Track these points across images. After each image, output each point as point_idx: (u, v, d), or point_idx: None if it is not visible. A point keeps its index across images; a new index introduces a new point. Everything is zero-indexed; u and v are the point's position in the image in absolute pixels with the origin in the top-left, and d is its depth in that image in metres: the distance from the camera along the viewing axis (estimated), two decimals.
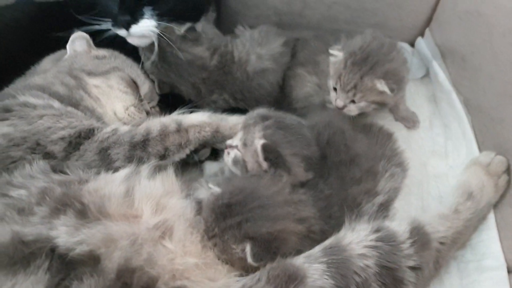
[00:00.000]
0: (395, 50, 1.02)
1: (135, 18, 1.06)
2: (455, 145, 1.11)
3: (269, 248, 0.74)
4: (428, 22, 1.32)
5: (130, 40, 1.10)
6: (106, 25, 1.10)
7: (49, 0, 1.26)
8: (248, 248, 0.73)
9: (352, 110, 1.02)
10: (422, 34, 1.35)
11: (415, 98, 1.21)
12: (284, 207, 0.79)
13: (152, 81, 1.15)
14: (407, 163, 1.02)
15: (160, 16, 1.08)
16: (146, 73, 1.14)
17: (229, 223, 0.75)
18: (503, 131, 0.98)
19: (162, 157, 0.94)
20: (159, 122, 0.96)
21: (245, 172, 0.88)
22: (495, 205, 0.97)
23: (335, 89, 1.02)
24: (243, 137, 0.87)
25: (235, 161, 0.89)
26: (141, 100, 1.07)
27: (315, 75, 1.17)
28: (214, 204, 0.78)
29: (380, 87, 0.97)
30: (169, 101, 1.16)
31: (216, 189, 0.81)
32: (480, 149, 1.05)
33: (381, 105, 1.02)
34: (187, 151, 0.97)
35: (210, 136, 0.99)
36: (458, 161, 1.08)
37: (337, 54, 1.00)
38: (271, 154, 0.85)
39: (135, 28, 1.06)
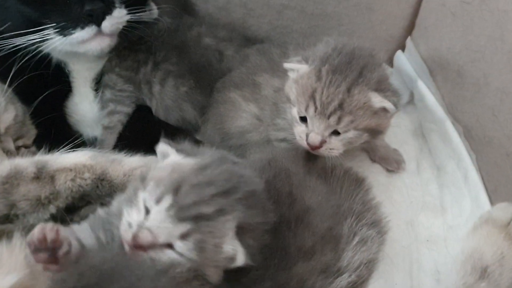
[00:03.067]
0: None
1: (108, 6, 0.92)
2: (454, 196, 0.97)
3: None
4: (410, 29, 1.20)
5: (94, 45, 0.95)
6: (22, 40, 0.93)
7: None
8: None
9: (336, 147, 0.82)
10: (402, 46, 1.23)
11: (396, 131, 1.07)
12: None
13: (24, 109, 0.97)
14: (386, 222, 0.84)
15: (125, 4, 0.97)
16: (14, 100, 0.96)
17: None
18: None
19: (5, 218, 0.74)
20: (8, 165, 0.77)
21: None
22: None
23: (303, 119, 0.82)
24: (196, 237, 0.62)
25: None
26: None
27: (253, 103, 1.01)
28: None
29: (377, 103, 0.79)
30: (50, 138, 0.97)
31: None
32: (492, 200, 0.90)
33: (374, 134, 0.86)
34: (52, 208, 0.77)
35: (91, 186, 0.80)
36: (460, 218, 0.94)
37: (298, 67, 0.84)
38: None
39: (109, 21, 0.92)
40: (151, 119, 1.08)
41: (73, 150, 0.86)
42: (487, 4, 0.88)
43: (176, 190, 0.60)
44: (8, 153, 0.90)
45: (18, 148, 0.95)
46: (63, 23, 0.91)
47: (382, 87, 0.81)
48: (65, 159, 0.81)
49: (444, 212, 0.97)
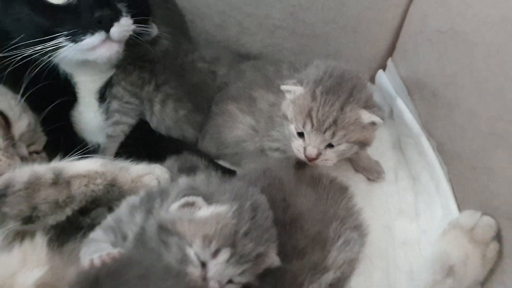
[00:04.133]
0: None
1: (116, 14, 0.94)
2: (427, 203, 1.01)
3: None
4: (391, 50, 1.24)
5: (103, 51, 0.95)
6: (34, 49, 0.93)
7: None
8: None
9: (330, 158, 0.87)
10: (383, 66, 1.26)
11: (376, 144, 1.07)
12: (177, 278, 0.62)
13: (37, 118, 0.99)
14: (366, 226, 0.90)
15: (132, 13, 0.98)
16: (26, 109, 0.98)
17: None
18: (489, 184, 0.85)
19: (27, 219, 0.76)
20: (29, 171, 0.79)
21: None
22: (483, 284, 0.85)
23: (300, 134, 0.87)
24: (253, 269, 0.67)
25: None
26: (12, 142, 0.91)
27: (249, 115, 1.05)
28: (79, 277, 0.61)
29: (366, 118, 0.85)
30: (59, 145, 0.99)
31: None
32: (460, 208, 0.94)
33: (362, 146, 0.91)
34: (68, 211, 0.79)
35: (103, 191, 0.83)
36: (432, 223, 0.98)
37: (294, 89, 0.88)
38: None
39: (117, 28, 0.94)
40: (151, 131, 1.10)
41: (82, 157, 0.87)
42: (459, 35, 0.92)
43: (232, 243, 0.63)
44: (23, 159, 0.91)
45: (30, 154, 0.95)
46: (74, 30, 0.92)
47: (369, 104, 0.86)
48: (79, 166, 0.83)
49: (418, 218, 1.01)
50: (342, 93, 0.84)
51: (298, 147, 0.88)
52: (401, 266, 0.93)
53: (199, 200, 0.67)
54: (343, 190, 0.93)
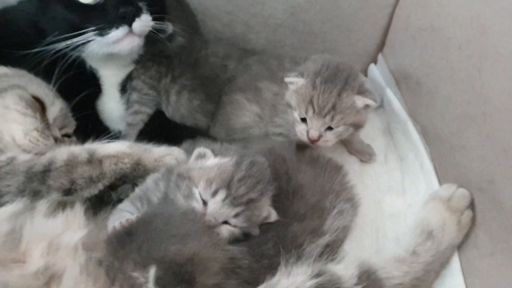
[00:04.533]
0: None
1: (137, 10, 1.01)
2: (413, 180, 1.06)
3: (179, 273, 0.62)
4: (381, 46, 1.29)
5: (126, 44, 1.03)
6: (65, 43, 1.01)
7: None
8: (151, 271, 0.61)
9: (330, 139, 0.93)
10: (375, 61, 1.31)
11: (368, 130, 1.14)
12: (196, 222, 0.71)
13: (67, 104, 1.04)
14: (358, 198, 0.96)
15: (151, 11, 1.04)
16: (58, 95, 1.03)
17: (128, 248, 0.64)
18: (464, 160, 0.90)
19: (67, 191, 0.82)
20: (67, 151, 0.86)
21: None
22: (459, 247, 0.89)
23: (303, 120, 0.93)
24: (246, 214, 0.76)
25: None
26: (47, 125, 0.95)
27: (255, 104, 1.10)
28: (112, 234, 0.69)
29: (360, 103, 0.91)
30: (89, 130, 1.04)
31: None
32: (441, 183, 0.98)
33: (357, 128, 0.95)
34: (100, 186, 0.86)
35: (130, 169, 0.89)
36: (416, 198, 1.02)
37: (296, 81, 0.93)
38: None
39: (138, 23, 1.01)
40: (167, 120, 1.17)
41: (110, 141, 0.92)
42: (436, 32, 0.97)
43: (228, 185, 0.72)
44: (56, 140, 0.95)
45: (62, 136, 1.00)
46: (101, 25, 0.99)
47: (362, 90, 0.92)
48: (109, 147, 0.89)
49: (404, 194, 1.06)
50: (339, 82, 0.89)
51: (301, 131, 0.93)
52: (389, 235, 0.98)
53: (208, 151, 0.79)
54: (338, 168, 0.99)
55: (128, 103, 1.15)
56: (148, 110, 1.15)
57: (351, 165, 1.07)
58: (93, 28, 1.00)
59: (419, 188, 1.03)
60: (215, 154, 0.79)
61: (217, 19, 1.28)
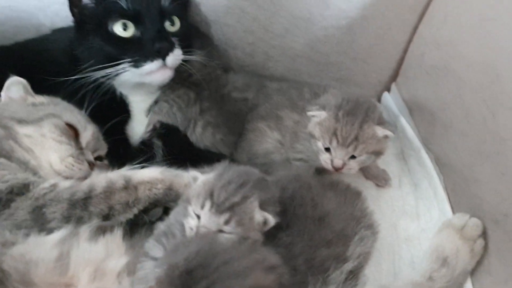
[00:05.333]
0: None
1: (171, 46, 1.06)
2: (427, 206, 1.08)
3: None
4: (395, 77, 1.31)
5: (158, 76, 1.09)
6: (103, 72, 1.06)
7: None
8: None
9: (353, 167, 0.98)
10: (388, 89, 1.34)
11: (384, 156, 1.11)
12: (250, 256, 0.72)
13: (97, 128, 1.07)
14: (377, 225, 0.97)
15: (181, 45, 1.10)
16: (89, 120, 1.06)
17: None
18: (477, 192, 0.93)
19: (106, 217, 0.85)
20: (105, 178, 0.89)
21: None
22: (473, 273, 0.92)
23: (327, 149, 0.98)
24: (235, 219, 0.78)
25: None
26: (81, 149, 0.98)
27: (277, 131, 1.14)
28: (170, 277, 0.68)
29: (381, 133, 0.95)
30: (120, 154, 1.10)
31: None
32: (454, 211, 1.01)
33: (377, 155, 1.00)
34: (135, 210, 0.89)
35: (162, 194, 0.91)
36: (430, 223, 1.05)
37: (319, 114, 0.97)
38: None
39: (171, 57, 1.06)
40: (191, 144, 1.18)
41: (143, 166, 0.95)
42: (450, 72, 0.99)
43: (210, 195, 0.75)
44: (90, 164, 0.98)
45: (95, 159, 1.02)
46: (137, 58, 1.04)
47: (381, 121, 0.97)
48: (143, 174, 0.92)
49: (418, 218, 1.07)
50: (360, 114, 0.94)
51: (326, 160, 0.97)
52: (405, 258, 1.00)
53: (198, 173, 0.83)
54: (357, 194, 1.01)
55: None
56: (168, 118, 1.17)
57: (368, 190, 1.09)
58: (129, 59, 1.04)
59: (432, 214, 1.05)
60: (206, 172, 0.83)
61: (239, 49, 1.31)
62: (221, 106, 1.21)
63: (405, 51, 1.24)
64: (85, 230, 0.80)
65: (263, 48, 1.28)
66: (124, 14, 1.06)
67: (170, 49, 1.06)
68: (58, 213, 0.81)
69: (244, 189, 0.78)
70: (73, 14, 1.11)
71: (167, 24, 1.10)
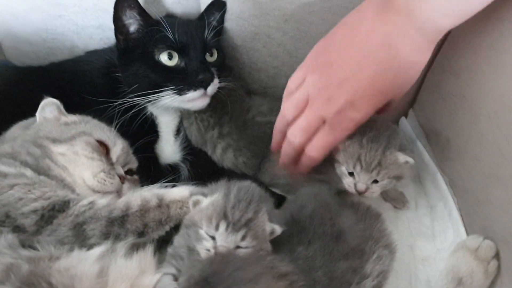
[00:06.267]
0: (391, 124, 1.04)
1: (212, 76, 1.13)
2: (442, 227, 1.10)
3: None
4: (412, 103, 1.32)
5: (198, 103, 1.15)
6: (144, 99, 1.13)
7: (32, 65, 1.27)
8: None
9: (375, 191, 1.01)
10: (405, 114, 1.35)
11: None
12: (259, 263, 0.76)
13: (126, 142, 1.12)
14: (395, 245, 0.99)
15: (218, 74, 1.16)
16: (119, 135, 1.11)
17: None
18: (490, 214, 0.95)
19: (141, 234, 0.89)
20: (139, 197, 0.92)
21: None
22: None
23: (350, 173, 1.01)
24: (251, 233, 0.82)
25: None
26: (112, 164, 1.02)
27: None
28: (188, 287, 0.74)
29: (402, 159, 0.97)
30: (150, 172, 1.15)
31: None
32: (468, 232, 1.02)
33: (398, 180, 1.02)
34: (167, 228, 0.92)
35: None
36: (445, 244, 1.06)
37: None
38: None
39: (211, 87, 1.13)
40: (214, 163, 1.24)
41: (173, 184, 0.99)
42: (467, 100, 1.01)
43: (224, 216, 0.78)
44: (120, 178, 1.01)
45: (125, 173, 1.06)
46: (181, 86, 1.10)
47: (402, 148, 0.99)
48: (174, 192, 0.95)
49: (434, 239, 1.09)
50: (383, 141, 0.96)
51: (349, 183, 1.00)
52: (421, 278, 1.01)
53: (200, 197, 0.86)
54: (377, 215, 1.02)
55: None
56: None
57: (386, 211, 1.10)
58: (173, 87, 1.10)
59: (447, 235, 1.06)
60: (206, 196, 0.86)
61: (263, 72, 1.34)
62: (244, 130, 1.23)
63: (423, 77, 1.25)
64: (121, 247, 0.83)
65: (286, 72, 1.29)
66: (171, 46, 1.12)
67: (211, 79, 1.13)
68: (97, 230, 0.84)
69: (254, 204, 0.81)
70: (118, 40, 1.16)
71: (207, 55, 1.17)
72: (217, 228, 0.79)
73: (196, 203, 0.85)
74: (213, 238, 0.79)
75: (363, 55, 0.85)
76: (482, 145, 0.97)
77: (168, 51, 1.12)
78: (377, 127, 0.99)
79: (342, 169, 1.02)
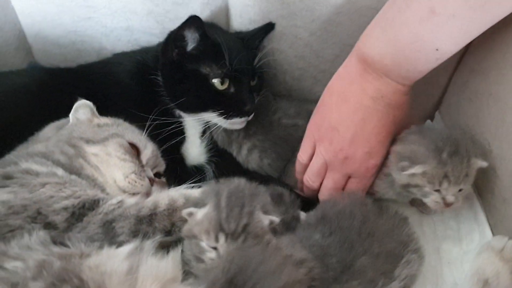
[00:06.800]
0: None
1: (254, 103, 1.19)
2: (468, 230, 1.09)
3: None
4: (438, 105, 1.32)
5: (238, 125, 1.20)
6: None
7: (60, 66, 1.28)
8: None
9: (461, 200, 1.01)
10: (431, 117, 1.34)
11: None
12: (277, 253, 0.78)
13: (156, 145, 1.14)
14: (423, 249, 0.99)
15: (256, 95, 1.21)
16: (148, 139, 1.13)
17: None
18: None
19: (168, 232, 0.90)
20: (167, 196, 0.94)
21: None
22: None
23: (436, 190, 1.00)
24: (252, 233, 0.82)
25: None
26: (142, 166, 1.04)
27: None
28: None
29: (480, 164, 0.97)
30: (177, 173, 1.16)
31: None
32: (493, 233, 1.02)
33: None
34: None
35: None
36: (471, 246, 1.05)
37: (414, 170, 0.98)
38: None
39: (253, 114, 1.19)
40: (239, 165, 1.26)
41: (199, 185, 1.00)
42: (494, 98, 1.00)
43: (221, 228, 0.78)
44: (150, 180, 1.03)
45: (154, 175, 1.08)
46: (228, 113, 1.14)
47: (476, 153, 0.98)
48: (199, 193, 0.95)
49: (460, 242, 1.07)
50: (463, 151, 0.96)
51: (436, 200, 0.99)
52: (448, 281, 0.99)
53: (192, 209, 0.85)
54: (405, 220, 1.03)
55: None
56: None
57: (412, 216, 1.09)
58: (220, 110, 1.15)
59: (473, 237, 1.06)
60: (199, 206, 0.85)
61: (288, 74, 1.34)
62: (269, 131, 1.24)
63: (449, 79, 1.25)
64: (149, 245, 0.84)
65: (312, 73, 1.31)
66: (227, 74, 1.14)
67: (255, 107, 1.18)
68: (126, 227, 0.86)
69: (247, 208, 0.82)
70: (169, 51, 1.16)
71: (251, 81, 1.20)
72: (217, 240, 0.79)
73: (191, 215, 0.85)
74: (215, 248, 0.80)
75: (362, 111, 0.96)
76: (509, 143, 0.97)
77: (223, 78, 1.14)
78: (454, 139, 0.99)
79: (425, 190, 1.00)
